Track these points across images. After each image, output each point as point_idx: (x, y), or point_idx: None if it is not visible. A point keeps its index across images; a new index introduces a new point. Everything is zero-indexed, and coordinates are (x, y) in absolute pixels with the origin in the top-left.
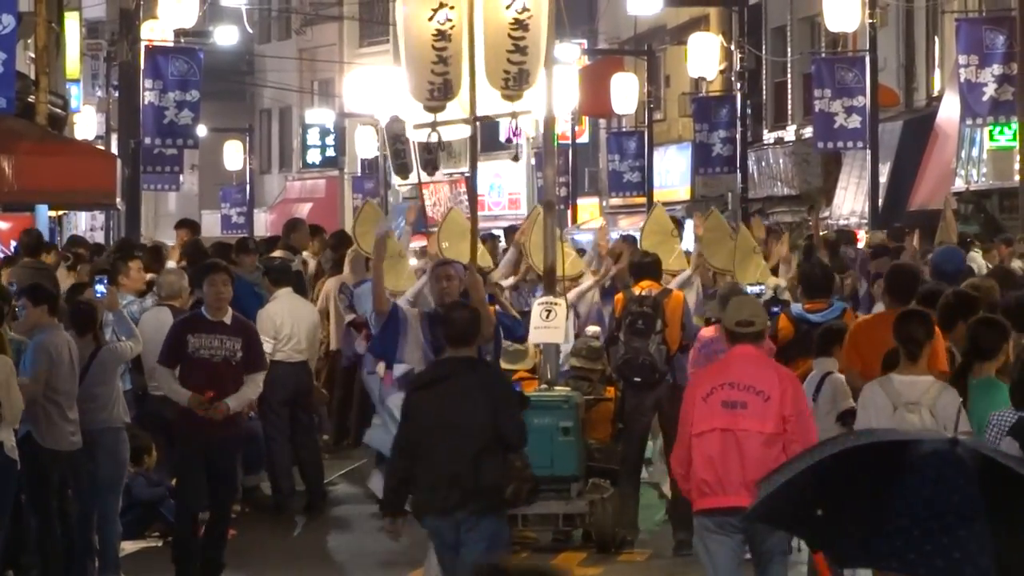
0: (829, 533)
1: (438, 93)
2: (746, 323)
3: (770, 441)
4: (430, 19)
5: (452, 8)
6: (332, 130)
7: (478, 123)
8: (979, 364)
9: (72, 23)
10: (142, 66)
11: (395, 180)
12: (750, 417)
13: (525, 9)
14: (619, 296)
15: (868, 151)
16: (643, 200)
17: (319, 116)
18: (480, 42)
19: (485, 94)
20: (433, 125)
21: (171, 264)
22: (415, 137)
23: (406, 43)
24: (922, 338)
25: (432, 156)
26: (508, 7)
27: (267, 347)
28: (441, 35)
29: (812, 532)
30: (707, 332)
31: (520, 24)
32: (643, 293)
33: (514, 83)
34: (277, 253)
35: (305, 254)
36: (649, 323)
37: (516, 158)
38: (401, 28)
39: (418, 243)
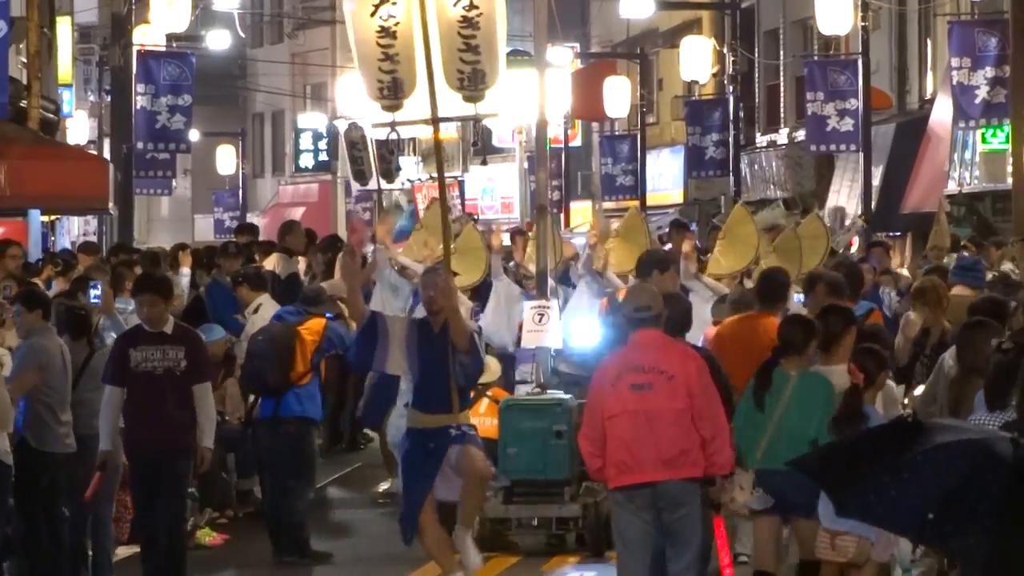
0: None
1: (388, 92)
2: (644, 308)
3: (680, 417)
4: (372, 15)
5: (395, 4)
6: (325, 134)
7: (439, 124)
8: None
9: (64, 28)
10: (134, 71)
11: (383, 183)
12: (657, 396)
13: (473, 7)
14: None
15: (861, 154)
16: (636, 203)
17: (311, 120)
18: (435, 42)
19: (449, 96)
20: (392, 125)
21: (185, 270)
22: (373, 135)
23: (354, 40)
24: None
25: (389, 164)
26: (455, 4)
27: None
28: (385, 32)
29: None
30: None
31: (469, 22)
32: None
33: (469, 83)
34: (272, 257)
35: (300, 259)
36: None
37: (484, 162)
38: (349, 25)
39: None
